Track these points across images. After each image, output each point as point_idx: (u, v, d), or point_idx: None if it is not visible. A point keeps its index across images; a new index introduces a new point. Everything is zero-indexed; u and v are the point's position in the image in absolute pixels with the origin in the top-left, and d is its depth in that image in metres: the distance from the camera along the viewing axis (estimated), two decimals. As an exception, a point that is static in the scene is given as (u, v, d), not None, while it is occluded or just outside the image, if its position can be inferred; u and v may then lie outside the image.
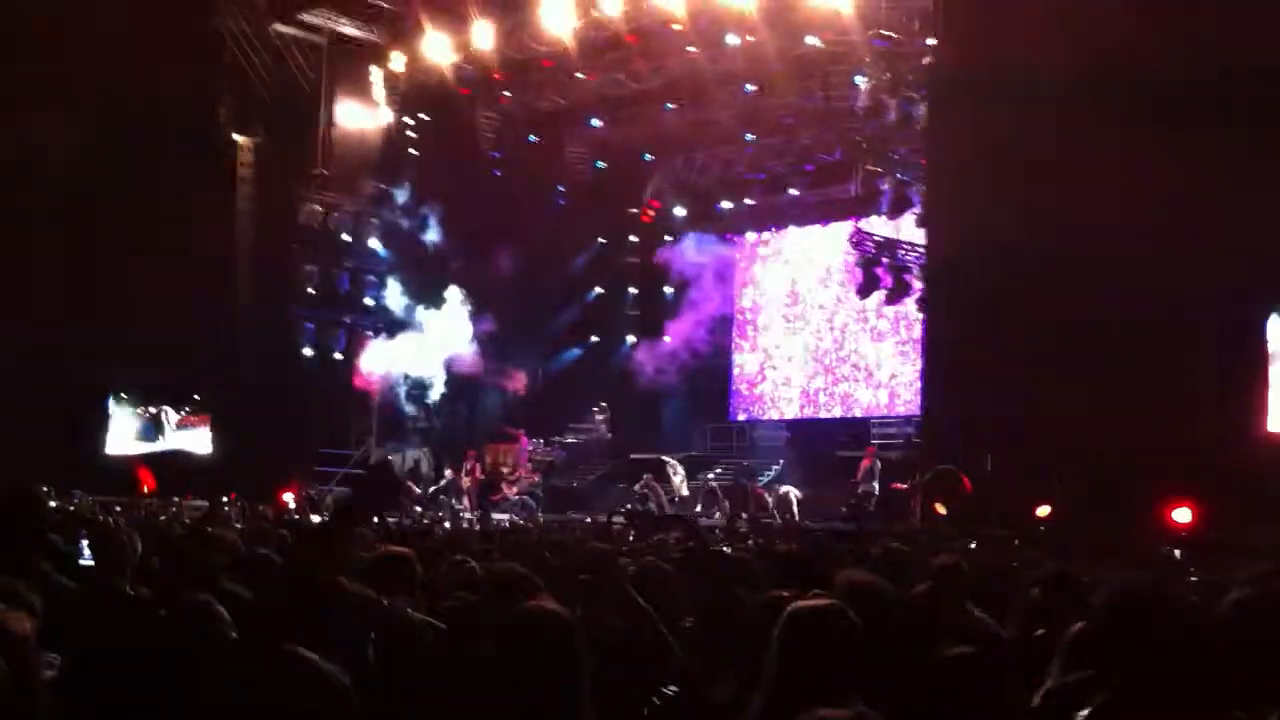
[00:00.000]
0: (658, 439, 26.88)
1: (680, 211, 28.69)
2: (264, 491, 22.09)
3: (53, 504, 15.17)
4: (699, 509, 22.96)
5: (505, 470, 25.39)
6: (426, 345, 25.80)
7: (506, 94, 25.57)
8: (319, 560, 4.12)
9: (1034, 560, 8.20)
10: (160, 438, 27.32)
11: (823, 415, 27.39)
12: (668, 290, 29.22)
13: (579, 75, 24.09)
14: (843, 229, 23.56)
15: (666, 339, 28.10)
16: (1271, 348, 15.33)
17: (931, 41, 18.00)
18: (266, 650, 2.88)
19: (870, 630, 3.53)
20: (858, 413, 26.73)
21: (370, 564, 5.25)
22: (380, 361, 25.80)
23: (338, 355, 25.59)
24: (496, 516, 21.27)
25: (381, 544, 6.32)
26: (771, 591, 4.34)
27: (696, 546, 6.32)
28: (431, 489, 25.44)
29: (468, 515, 22.20)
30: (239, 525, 11.69)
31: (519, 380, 27.95)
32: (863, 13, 19.08)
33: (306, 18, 24.95)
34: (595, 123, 26.21)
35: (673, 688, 4.23)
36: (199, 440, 26.64)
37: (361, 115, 25.97)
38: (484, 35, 23.18)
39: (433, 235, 26.24)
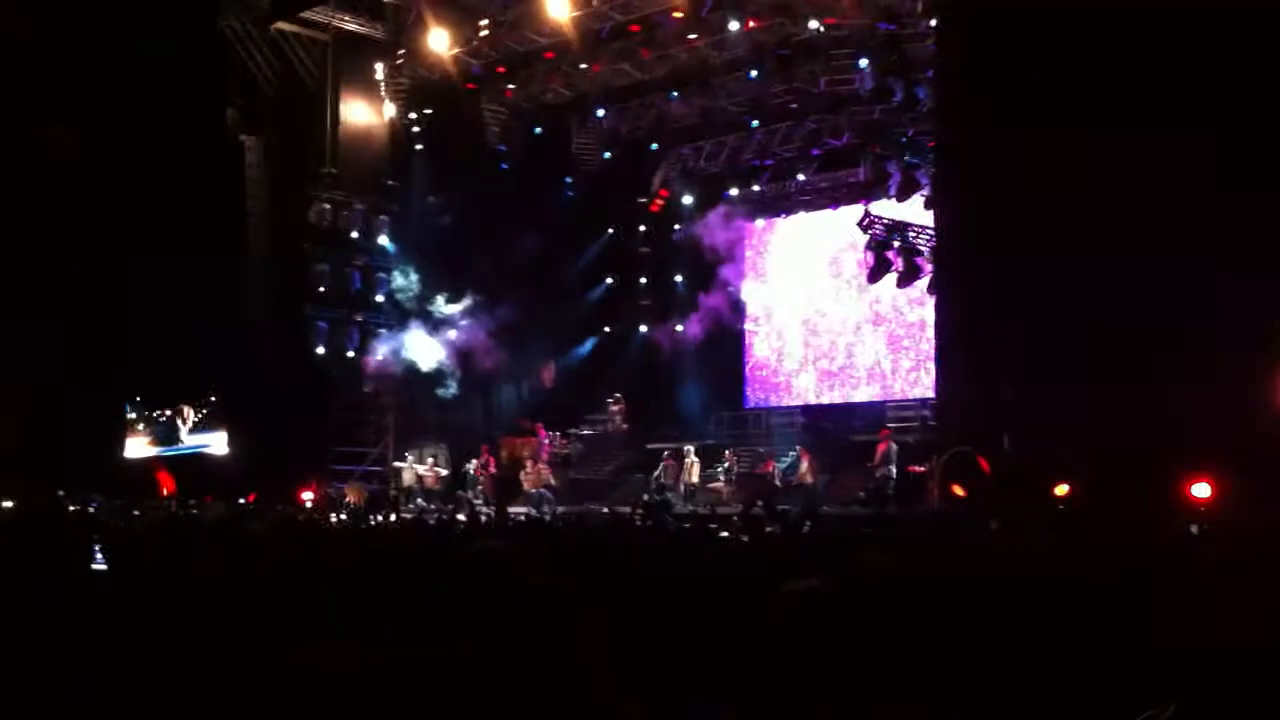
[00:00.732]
0: (674, 428, 26.88)
1: (688, 200, 28.66)
2: (283, 491, 22.26)
3: (71, 508, 15.32)
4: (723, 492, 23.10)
5: (525, 463, 25.44)
6: (440, 340, 25.85)
7: (511, 87, 25.54)
8: None
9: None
10: (179, 440, 27.47)
11: (838, 400, 27.34)
12: (679, 280, 29.25)
13: (582, 66, 24.05)
14: (852, 213, 23.46)
15: (679, 328, 28.08)
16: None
17: (934, 23, 17.94)
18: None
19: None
20: (872, 396, 26.67)
21: None
22: (394, 358, 25.86)
23: (350, 353, 25.64)
24: (514, 510, 21.35)
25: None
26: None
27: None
28: (450, 483, 25.60)
29: (484, 510, 22.24)
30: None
31: (548, 372, 28.02)
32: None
33: (309, 15, 24.97)
34: (601, 113, 26.14)
35: None
36: (216, 442, 26.77)
37: (367, 112, 26.00)
38: (486, 28, 23.22)
39: (442, 230, 26.24)
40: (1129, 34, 14.85)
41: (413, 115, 26.02)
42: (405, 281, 26.28)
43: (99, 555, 6.25)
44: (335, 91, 25.58)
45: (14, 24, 23.07)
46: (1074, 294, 15.25)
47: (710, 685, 3.70)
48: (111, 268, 24.44)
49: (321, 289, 25.40)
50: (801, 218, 28.17)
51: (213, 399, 27.06)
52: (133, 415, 28.46)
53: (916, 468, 20.14)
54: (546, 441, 26.13)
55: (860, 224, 21.60)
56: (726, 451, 24.44)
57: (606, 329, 29.83)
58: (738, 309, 28.46)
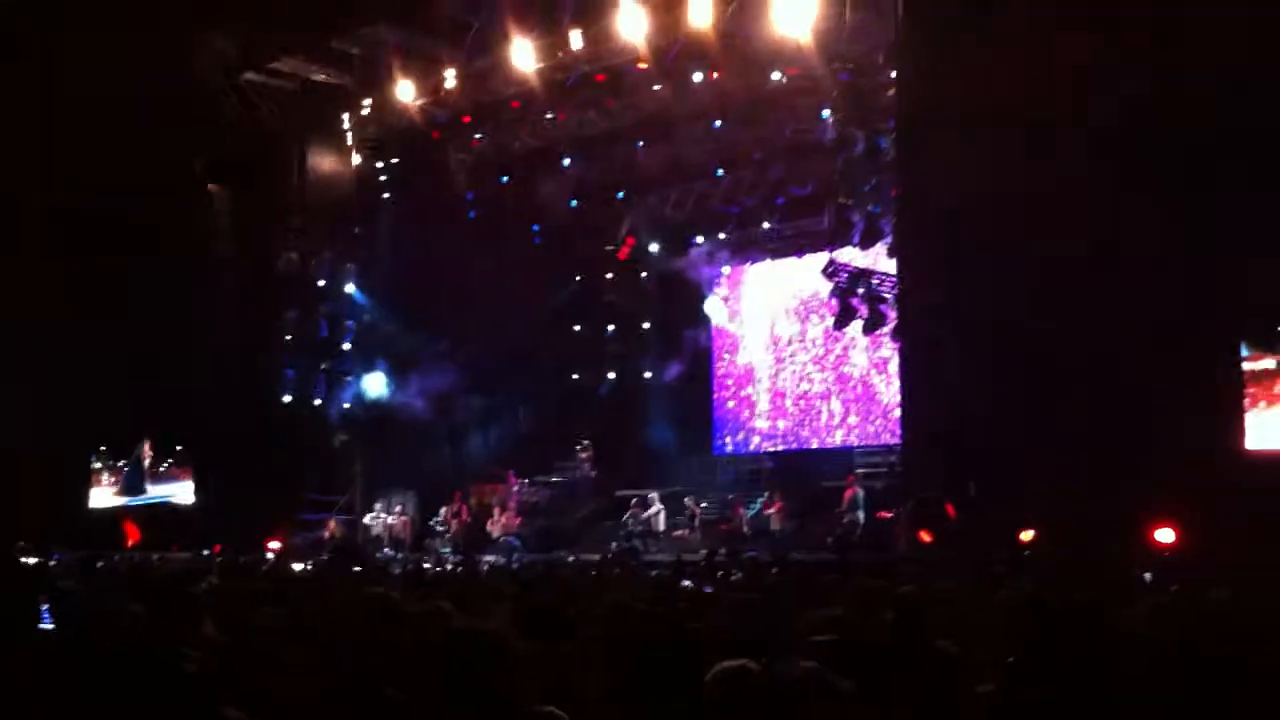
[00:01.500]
0: (643, 474, 26.81)
1: (655, 247, 28.78)
2: (249, 541, 22.06)
3: (31, 561, 15.11)
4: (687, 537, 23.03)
5: (494, 510, 25.34)
6: (407, 388, 25.78)
7: (478, 136, 25.65)
8: None
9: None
10: (144, 490, 27.26)
11: (806, 446, 27.37)
12: (646, 326, 29.33)
13: (549, 116, 24.20)
14: (818, 260, 23.56)
15: (647, 374, 28.07)
16: (1247, 367, 15.44)
17: (894, 74, 18.15)
18: None
19: None
20: (840, 442, 26.71)
21: None
22: (361, 405, 25.76)
23: (317, 401, 25.52)
24: (482, 558, 21.22)
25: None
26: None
27: None
28: (420, 532, 25.48)
29: (451, 558, 22.11)
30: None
31: (527, 418, 27.93)
32: (825, 46, 19.19)
33: (277, 66, 25.06)
34: (567, 162, 26.27)
35: None
36: (182, 491, 26.57)
37: (334, 161, 26.08)
38: (453, 79, 23.36)
39: (409, 278, 26.24)
40: (1086, 80, 15.10)
41: (379, 164, 26.10)
42: (372, 329, 26.24)
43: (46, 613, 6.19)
44: (302, 141, 25.66)
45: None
46: (1039, 339, 15.40)
47: None
48: (77, 318, 24.32)
49: (288, 337, 25.33)
50: (769, 265, 28.30)
51: (178, 448, 26.90)
52: (98, 465, 28.23)
53: (885, 513, 20.16)
54: (516, 489, 26.04)
55: (825, 271, 21.70)
56: (686, 499, 24.35)
57: (575, 376, 29.80)
58: (706, 355, 28.53)
